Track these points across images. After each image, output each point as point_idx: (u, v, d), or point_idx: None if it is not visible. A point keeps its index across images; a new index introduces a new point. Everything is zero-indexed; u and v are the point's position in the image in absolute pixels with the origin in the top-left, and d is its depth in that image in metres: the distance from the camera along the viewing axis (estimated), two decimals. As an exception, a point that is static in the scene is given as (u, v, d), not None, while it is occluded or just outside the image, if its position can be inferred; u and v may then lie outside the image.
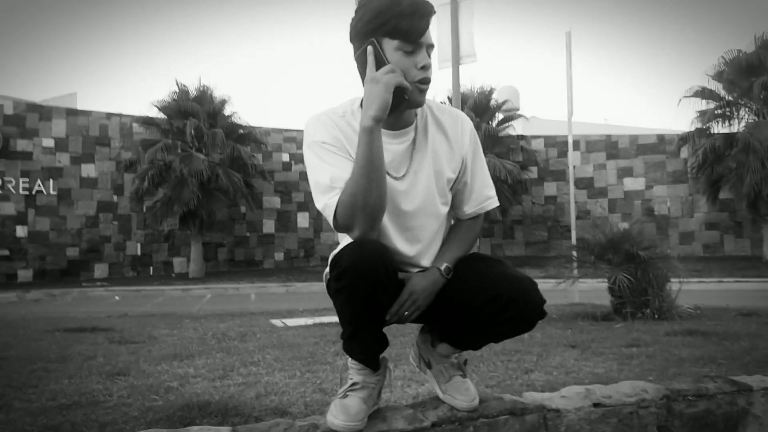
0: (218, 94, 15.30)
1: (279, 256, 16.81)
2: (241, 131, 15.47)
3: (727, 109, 14.76)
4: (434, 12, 1.43)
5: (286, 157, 17.19)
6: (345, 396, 1.53)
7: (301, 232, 17.10)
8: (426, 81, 1.43)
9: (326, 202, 1.39)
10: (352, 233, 1.39)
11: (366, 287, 1.36)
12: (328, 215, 1.40)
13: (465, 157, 1.57)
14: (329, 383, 2.39)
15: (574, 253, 5.65)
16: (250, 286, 12.80)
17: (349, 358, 1.57)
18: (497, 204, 1.64)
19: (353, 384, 1.54)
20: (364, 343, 1.51)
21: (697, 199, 16.14)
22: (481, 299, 1.44)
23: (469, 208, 1.60)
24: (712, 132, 14.89)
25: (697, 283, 9.68)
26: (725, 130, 14.76)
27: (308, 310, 6.22)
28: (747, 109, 14.50)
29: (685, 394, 1.85)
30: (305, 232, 17.13)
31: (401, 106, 1.43)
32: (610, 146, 17.42)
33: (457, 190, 1.59)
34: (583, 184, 17.15)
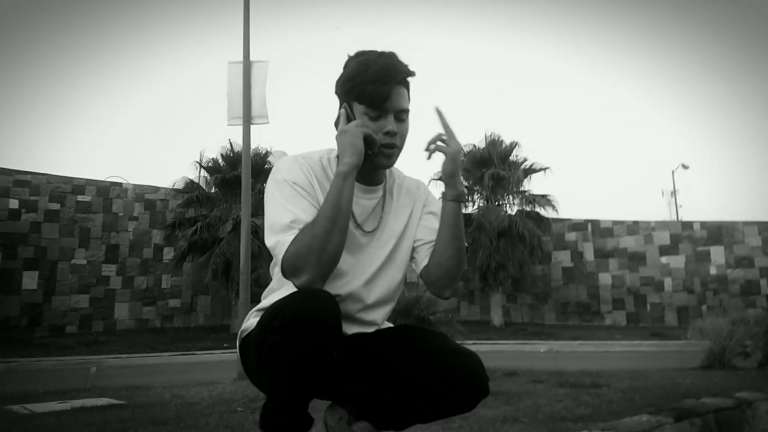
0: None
1: (-7, 325, 13.72)
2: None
3: (465, 195, 17.23)
4: (407, 76, 1.41)
5: (14, 204, 14.47)
6: None
7: (26, 296, 14.26)
8: (390, 146, 1.39)
9: (280, 239, 1.26)
10: (299, 278, 1.23)
11: (317, 342, 1.19)
12: (278, 253, 1.28)
13: (424, 218, 1.54)
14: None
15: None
16: (-47, 363, 10.02)
17: None
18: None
19: None
20: (292, 418, 1.25)
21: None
22: (428, 375, 1.31)
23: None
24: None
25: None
26: (464, 212, 17.10)
27: (51, 392, 5.06)
28: (479, 195, 17.08)
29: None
30: (31, 295, 14.34)
31: (365, 162, 1.38)
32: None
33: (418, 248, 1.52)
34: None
